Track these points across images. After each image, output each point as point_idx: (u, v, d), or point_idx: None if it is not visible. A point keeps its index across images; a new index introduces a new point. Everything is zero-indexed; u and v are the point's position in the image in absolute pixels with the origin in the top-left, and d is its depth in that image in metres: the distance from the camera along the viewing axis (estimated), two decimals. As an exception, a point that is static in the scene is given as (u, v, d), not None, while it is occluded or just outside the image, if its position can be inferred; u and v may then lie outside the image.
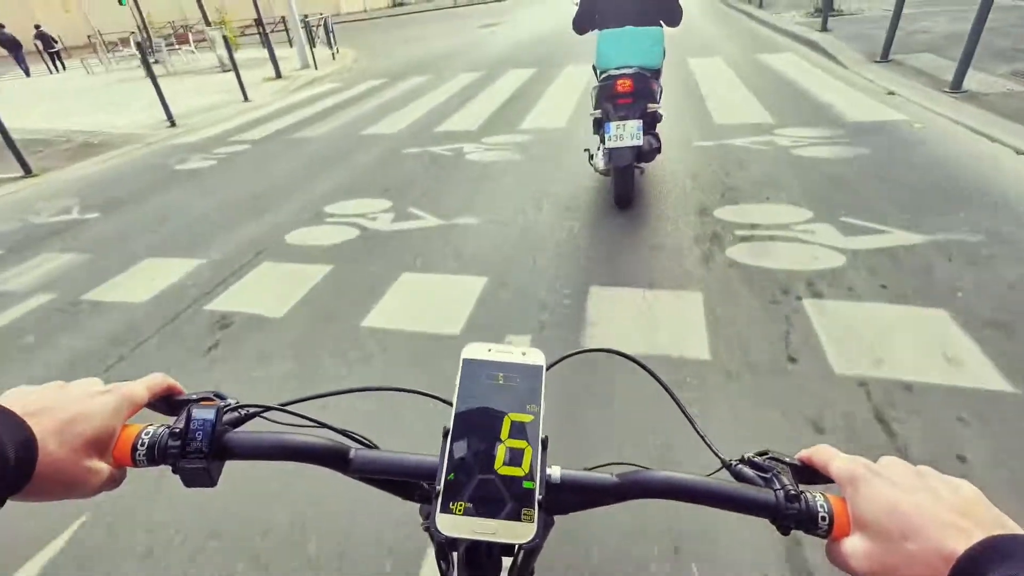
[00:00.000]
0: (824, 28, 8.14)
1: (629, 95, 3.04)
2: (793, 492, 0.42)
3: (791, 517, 0.41)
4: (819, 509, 0.40)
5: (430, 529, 0.57)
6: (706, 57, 7.78)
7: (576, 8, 3.44)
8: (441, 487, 0.40)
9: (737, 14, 12.30)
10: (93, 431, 0.41)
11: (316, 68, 10.83)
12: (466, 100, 6.95)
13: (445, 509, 0.40)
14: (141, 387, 0.46)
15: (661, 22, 3.23)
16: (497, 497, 0.40)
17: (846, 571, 0.38)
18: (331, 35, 12.76)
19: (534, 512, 0.39)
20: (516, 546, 0.50)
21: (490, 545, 0.46)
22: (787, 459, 0.46)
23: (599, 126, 3.31)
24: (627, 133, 3.03)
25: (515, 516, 0.39)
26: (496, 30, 14.86)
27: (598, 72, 3.35)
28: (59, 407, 0.40)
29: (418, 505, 0.50)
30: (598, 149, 3.47)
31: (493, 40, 12.87)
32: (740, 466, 0.47)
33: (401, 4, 30.57)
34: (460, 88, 7.68)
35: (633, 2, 3.17)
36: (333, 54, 12.51)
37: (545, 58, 9.31)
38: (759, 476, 0.45)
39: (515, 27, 15.00)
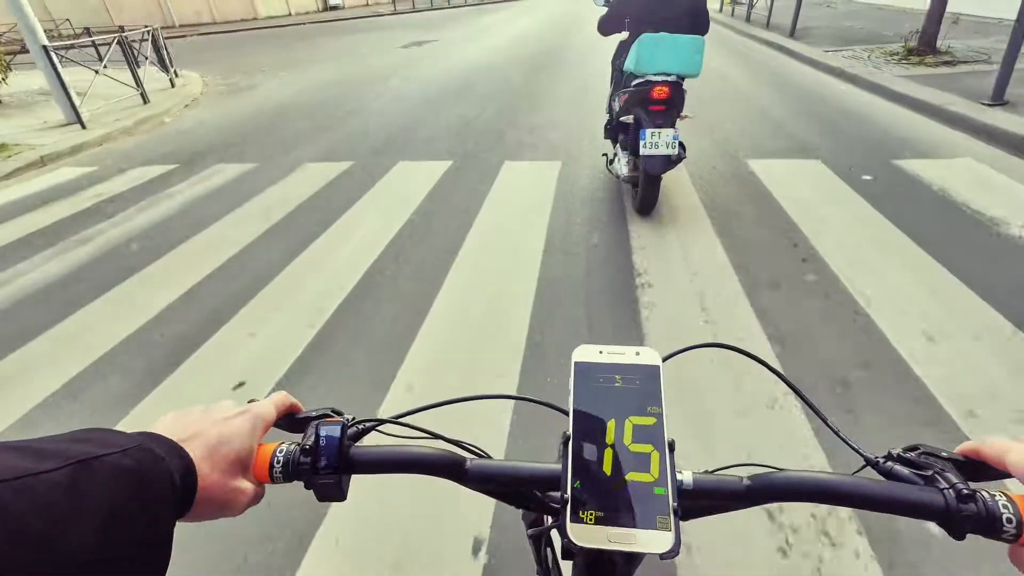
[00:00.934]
0: (998, 100, 4.53)
1: (664, 102, 2.95)
2: (966, 491, 0.38)
3: (967, 520, 0.38)
4: (1002, 510, 0.37)
5: (541, 538, 0.60)
6: (791, 159, 4.15)
7: (604, 9, 3.38)
8: (569, 495, 0.39)
9: (765, 51, 8.62)
10: (237, 452, 0.43)
11: (83, 126, 6.37)
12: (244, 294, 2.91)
13: (575, 519, 0.38)
14: (270, 405, 0.49)
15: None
16: (629, 505, 0.39)
17: None
18: (165, 56, 8.91)
19: (670, 520, 0.38)
20: (642, 555, 0.51)
21: (612, 555, 0.47)
22: (944, 454, 0.43)
23: (622, 131, 3.16)
24: (662, 141, 2.94)
25: (650, 524, 0.38)
26: (424, 51, 11.37)
27: (625, 74, 3.18)
28: (207, 432, 0.42)
29: (520, 512, 0.52)
30: (616, 155, 3.33)
31: (410, 71, 9.09)
32: (890, 464, 0.44)
33: (334, 8, 28.76)
34: (260, 231, 3.61)
35: (669, 8, 3.10)
36: (171, 80, 8.84)
37: (479, 125, 5.60)
38: (916, 474, 0.42)
39: (451, 48, 11.54)
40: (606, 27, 3.42)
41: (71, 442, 0.33)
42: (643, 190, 3.22)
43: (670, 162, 3.05)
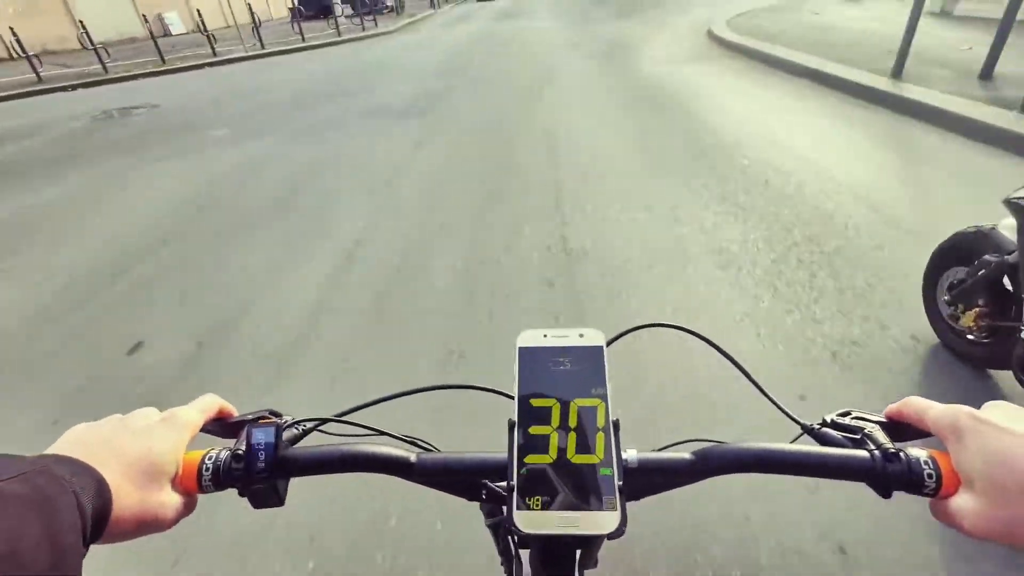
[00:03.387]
0: None
1: None
2: (892, 450, 0.40)
3: (892, 478, 0.39)
4: (923, 466, 0.38)
5: (500, 527, 0.59)
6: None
7: None
8: (515, 483, 0.39)
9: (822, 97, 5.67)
10: (158, 466, 0.40)
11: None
12: None
13: (522, 506, 0.38)
14: (195, 411, 0.46)
15: None
16: (575, 487, 0.38)
17: (959, 531, 0.36)
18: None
19: (616, 499, 0.38)
20: (594, 536, 0.54)
21: (564, 539, 0.46)
22: (873, 417, 0.45)
23: None
24: None
25: (596, 506, 0.38)
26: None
27: None
28: (123, 447, 0.39)
29: (478, 505, 0.51)
30: None
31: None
32: (824, 429, 0.46)
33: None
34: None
35: None
36: None
37: None
38: (846, 438, 0.44)
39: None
40: None
41: None
42: None
43: None
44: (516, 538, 0.63)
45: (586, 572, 0.59)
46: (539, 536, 0.43)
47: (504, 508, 0.60)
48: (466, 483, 0.50)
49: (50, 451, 0.37)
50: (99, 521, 0.35)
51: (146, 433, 0.41)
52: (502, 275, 2.93)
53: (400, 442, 0.51)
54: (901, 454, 0.40)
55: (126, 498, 0.37)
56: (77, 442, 0.39)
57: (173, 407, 0.45)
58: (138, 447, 0.40)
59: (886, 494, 0.40)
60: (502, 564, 0.69)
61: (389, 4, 25.68)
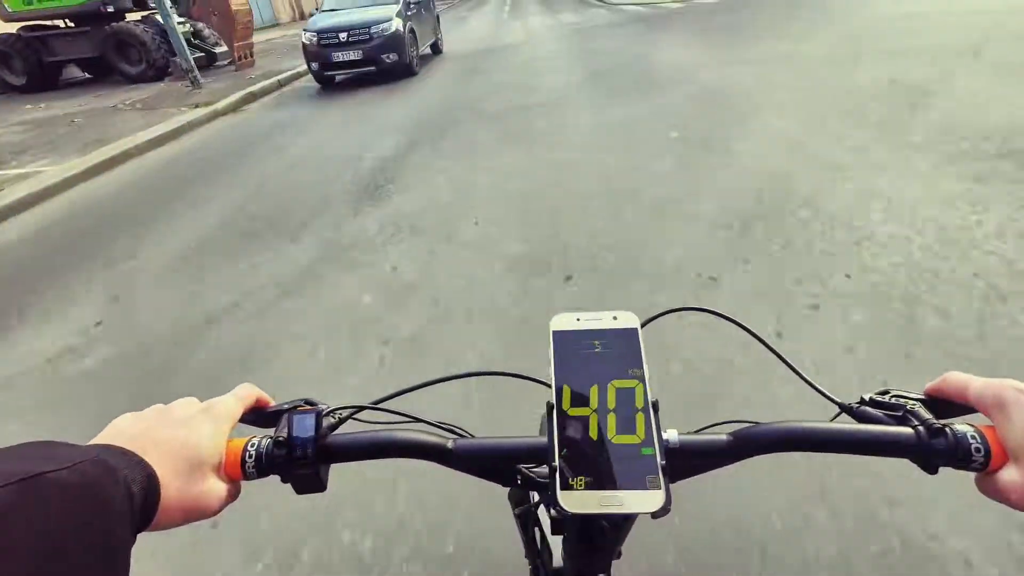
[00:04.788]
0: None
1: None
2: (936, 426, 0.39)
3: (939, 453, 0.39)
4: (970, 440, 0.38)
5: (529, 515, 0.59)
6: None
7: None
8: (557, 463, 0.39)
9: None
10: (202, 455, 0.41)
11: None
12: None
13: (565, 486, 0.38)
14: (234, 400, 0.46)
15: None
16: (617, 467, 0.38)
17: (1007, 504, 0.36)
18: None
19: (659, 478, 0.38)
20: (631, 520, 0.51)
21: (601, 522, 0.47)
22: (913, 395, 0.44)
23: None
24: None
25: (640, 485, 0.38)
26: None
27: None
28: (168, 438, 0.40)
29: (507, 493, 0.52)
30: None
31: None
32: (863, 408, 0.45)
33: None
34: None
35: None
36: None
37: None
38: (888, 415, 0.43)
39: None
40: None
41: (14, 459, 0.30)
42: None
43: None
44: (550, 526, 0.64)
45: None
46: (580, 518, 0.43)
47: (533, 495, 0.60)
48: (502, 468, 0.50)
49: (98, 440, 0.38)
50: (147, 510, 0.36)
51: (189, 423, 0.41)
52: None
53: (436, 428, 0.51)
54: (947, 429, 0.39)
55: (172, 487, 0.38)
56: (124, 433, 0.39)
57: (211, 398, 0.45)
58: (182, 437, 0.40)
59: (932, 470, 0.40)
60: (526, 556, 0.69)
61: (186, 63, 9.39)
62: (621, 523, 0.56)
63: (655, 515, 0.37)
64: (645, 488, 0.37)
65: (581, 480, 0.38)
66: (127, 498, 0.33)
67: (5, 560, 0.25)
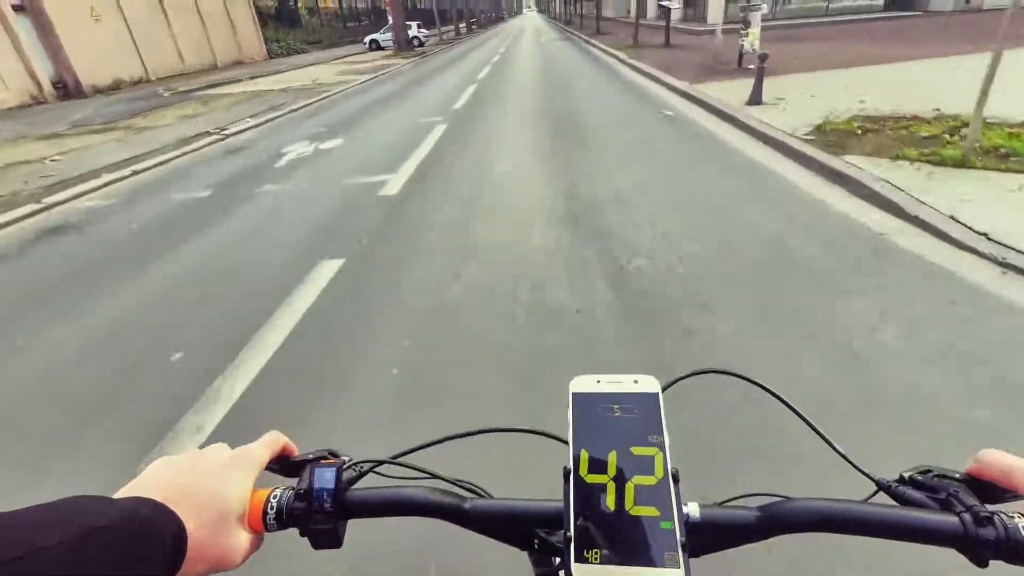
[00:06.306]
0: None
1: None
2: (984, 514, 0.37)
3: (988, 545, 0.36)
4: (1021, 532, 0.35)
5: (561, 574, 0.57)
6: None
7: None
8: (572, 533, 0.37)
9: None
10: (229, 507, 0.42)
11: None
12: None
13: (580, 558, 0.36)
14: (262, 448, 0.48)
15: None
16: (634, 541, 0.37)
17: None
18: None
19: (678, 556, 0.36)
20: None
21: None
22: (956, 475, 0.42)
23: None
24: None
25: (658, 562, 0.36)
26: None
27: None
28: (196, 489, 0.41)
29: (528, 555, 0.50)
30: None
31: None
32: (902, 488, 0.43)
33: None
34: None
35: None
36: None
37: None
38: (929, 498, 0.41)
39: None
40: None
41: (66, 512, 0.32)
42: None
43: None
44: None
45: None
46: None
47: (554, 560, 0.58)
48: (519, 531, 0.49)
49: (132, 490, 0.40)
50: (175, 561, 0.37)
51: (219, 478, 0.43)
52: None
53: (453, 486, 0.51)
54: (996, 517, 0.36)
55: (199, 538, 0.39)
56: (157, 482, 0.41)
57: (242, 445, 0.47)
58: (211, 489, 0.42)
59: (982, 563, 0.37)
60: None
61: None
62: None
63: None
64: (663, 566, 0.36)
65: (596, 553, 0.37)
66: (161, 551, 0.35)
67: None
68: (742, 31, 9.60)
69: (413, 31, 27.92)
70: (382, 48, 26.90)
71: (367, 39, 29.35)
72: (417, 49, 26.44)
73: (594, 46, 19.68)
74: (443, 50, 25.56)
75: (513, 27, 44.74)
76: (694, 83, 9.20)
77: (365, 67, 19.12)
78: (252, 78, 18.10)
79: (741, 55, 9.92)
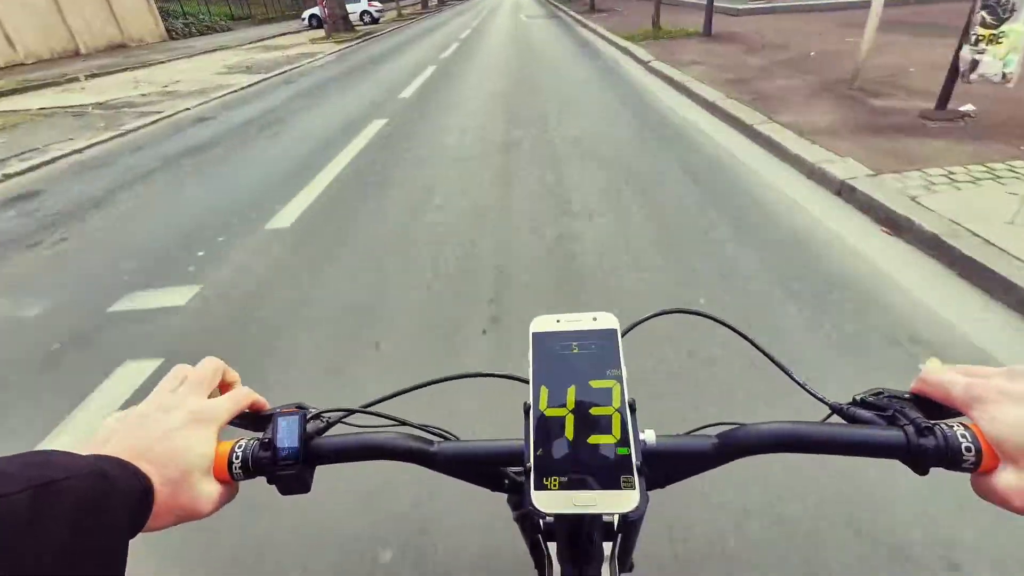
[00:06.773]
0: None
1: None
2: (925, 425, 0.38)
3: (928, 453, 0.38)
4: (960, 440, 0.37)
5: (526, 520, 0.59)
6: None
7: None
8: (532, 463, 0.39)
9: None
10: (191, 461, 0.42)
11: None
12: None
13: (539, 486, 0.38)
14: (227, 402, 0.47)
15: None
16: (592, 467, 0.38)
17: (1007, 509, 0.35)
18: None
19: (634, 478, 0.37)
20: (617, 528, 0.51)
21: (591, 531, 0.47)
22: (906, 395, 0.43)
23: None
24: None
25: (614, 484, 0.37)
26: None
27: None
28: (159, 445, 0.41)
29: (506, 497, 0.51)
30: None
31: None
32: (853, 409, 0.44)
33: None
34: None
35: None
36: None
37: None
38: (878, 416, 0.42)
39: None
40: None
41: (28, 465, 0.32)
42: None
43: None
44: (543, 532, 0.63)
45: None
46: (560, 518, 0.42)
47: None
48: (487, 471, 0.50)
49: (92, 448, 0.40)
50: (140, 516, 0.37)
51: (181, 432, 0.42)
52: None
53: (423, 432, 0.51)
54: (936, 428, 0.38)
55: (163, 493, 0.39)
56: (116, 438, 0.41)
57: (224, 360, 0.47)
58: (175, 446, 0.41)
59: (922, 471, 0.39)
60: (536, 567, 0.68)
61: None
62: (611, 529, 0.55)
63: (630, 516, 0.37)
64: (620, 488, 0.37)
65: (555, 480, 0.38)
66: (124, 506, 0.35)
67: (28, 556, 0.27)
68: (976, 31, 3.81)
69: (362, 4, 23.87)
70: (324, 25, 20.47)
71: (306, 14, 24.16)
72: (363, 28, 21.29)
73: (591, 31, 13.51)
74: (396, 30, 20.63)
75: (491, -1, 41.47)
76: (878, 167, 3.47)
77: (274, 57, 13.57)
78: (89, 77, 11.93)
79: (954, 79, 4.10)
